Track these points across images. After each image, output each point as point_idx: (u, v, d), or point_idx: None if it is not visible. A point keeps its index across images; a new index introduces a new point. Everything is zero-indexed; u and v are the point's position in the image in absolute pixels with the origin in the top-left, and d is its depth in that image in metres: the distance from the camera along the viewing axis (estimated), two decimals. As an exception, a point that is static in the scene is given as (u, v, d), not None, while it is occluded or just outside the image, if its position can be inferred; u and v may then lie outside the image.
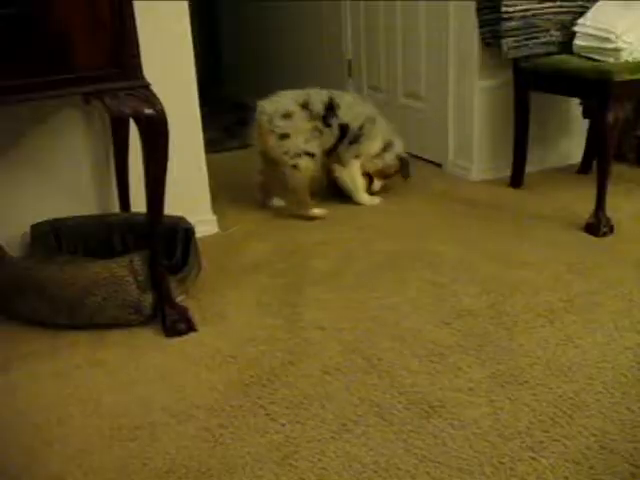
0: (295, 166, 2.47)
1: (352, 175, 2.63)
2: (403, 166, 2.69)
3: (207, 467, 1.27)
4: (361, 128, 2.56)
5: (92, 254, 2.08)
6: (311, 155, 2.49)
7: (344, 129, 2.54)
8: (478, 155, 2.85)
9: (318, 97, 2.51)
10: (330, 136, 2.53)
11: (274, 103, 2.49)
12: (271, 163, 2.55)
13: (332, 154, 2.60)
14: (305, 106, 2.48)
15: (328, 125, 2.51)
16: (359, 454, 1.28)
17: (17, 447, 1.36)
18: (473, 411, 1.39)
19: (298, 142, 2.46)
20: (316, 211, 2.54)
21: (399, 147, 2.67)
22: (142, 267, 1.74)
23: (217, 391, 1.51)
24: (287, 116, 2.46)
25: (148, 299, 1.76)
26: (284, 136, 2.46)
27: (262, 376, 1.55)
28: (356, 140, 2.57)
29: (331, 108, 2.50)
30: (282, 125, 2.45)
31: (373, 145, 2.61)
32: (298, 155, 2.47)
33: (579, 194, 2.58)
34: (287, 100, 2.49)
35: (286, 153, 2.47)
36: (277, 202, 2.68)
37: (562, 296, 1.84)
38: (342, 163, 2.61)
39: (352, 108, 2.55)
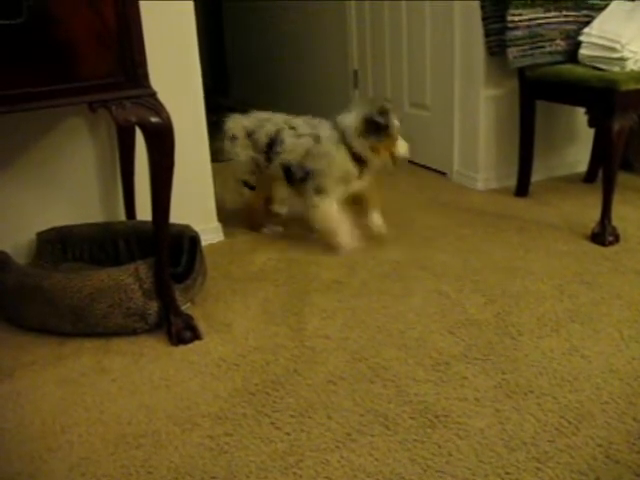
0: (239, 192, 2.43)
1: (323, 215, 2.20)
2: None
3: (211, 475, 1.27)
4: (302, 165, 2.19)
5: (98, 262, 2.09)
6: (249, 187, 2.39)
7: (286, 170, 2.24)
8: (483, 164, 2.85)
9: (266, 128, 2.28)
10: (276, 174, 2.29)
11: (231, 121, 2.38)
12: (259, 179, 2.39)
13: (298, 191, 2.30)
14: (250, 135, 2.31)
15: (269, 160, 2.28)
16: (364, 464, 1.28)
17: (21, 454, 1.36)
18: (478, 421, 1.38)
19: (238, 169, 2.38)
20: (266, 230, 2.47)
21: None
22: (148, 275, 1.74)
23: (222, 399, 1.50)
24: (232, 139, 2.35)
25: (154, 307, 1.76)
26: (230, 159, 2.39)
27: (267, 384, 1.55)
28: (308, 176, 2.19)
29: (274, 143, 2.25)
30: (227, 148, 2.38)
31: (334, 169, 2.16)
32: (238, 182, 2.41)
33: (585, 203, 2.58)
34: (239, 123, 2.35)
35: (233, 175, 2.42)
36: (273, 228, 2.52)
37: (568, 305, 1.83)
38: (308, 204, 2.23)
39: (295, 141, 2.21)
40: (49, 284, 1.75)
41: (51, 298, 1.74)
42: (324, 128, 2.19)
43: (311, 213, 2.21)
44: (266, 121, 2.30)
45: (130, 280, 1.73)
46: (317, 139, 2.17)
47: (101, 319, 1.75)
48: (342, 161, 2.15)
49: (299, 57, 4.20)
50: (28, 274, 1.84)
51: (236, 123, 2.36)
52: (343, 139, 2.14)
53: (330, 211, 2.18)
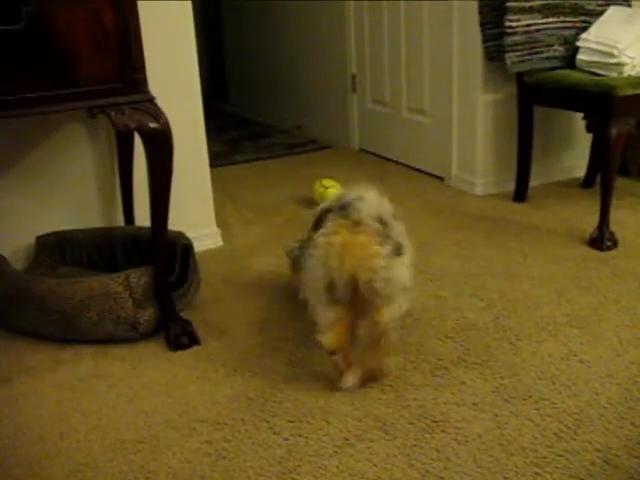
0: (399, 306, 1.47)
1: None
2: None
3: (210, 481, 1.27)
4: None
5: (96, 267, 2.09)
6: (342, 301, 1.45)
7: None
8: (482, 169, 2.86)
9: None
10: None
11: (363, 202, 1.53)
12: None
13: None
14: (381, 222, 1.48)
15: None
16: (362, 469, 1.28)
17: (19, 460, 1.35)
18: (477, 426, 1.38)
19: (402, 270, 1.45)
20: (351, 381, 1.52)
21: None
22: (138, 284, 1.73)
23: (220, 405, 1.50)
24: (384, 225, 1.47)
25: (145, 316, 1.75)
26: (394, 251, 1.43)
27: (265, 390, 1.55)
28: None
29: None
30: (389, 235, 1.45)
31: None
32: (398, 290, 1.45)
33: (583, 208, 2.58)
34: (370, 205, 1.53)
35: (388, 282, 1.42)
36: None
37: (566, 310, 1.84)
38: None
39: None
40: (40, 290, 1.74)
41: (42, 304, 1.74)
42: None
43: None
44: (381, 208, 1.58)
45: (120, 289, 1.71)
46: None
47: (92, 327, 1.74)
48: None
49: (297, 61, 4.21)
50: (20, 279, 1.83)
51: (372, 204, 1.55)
52: None
53: None
